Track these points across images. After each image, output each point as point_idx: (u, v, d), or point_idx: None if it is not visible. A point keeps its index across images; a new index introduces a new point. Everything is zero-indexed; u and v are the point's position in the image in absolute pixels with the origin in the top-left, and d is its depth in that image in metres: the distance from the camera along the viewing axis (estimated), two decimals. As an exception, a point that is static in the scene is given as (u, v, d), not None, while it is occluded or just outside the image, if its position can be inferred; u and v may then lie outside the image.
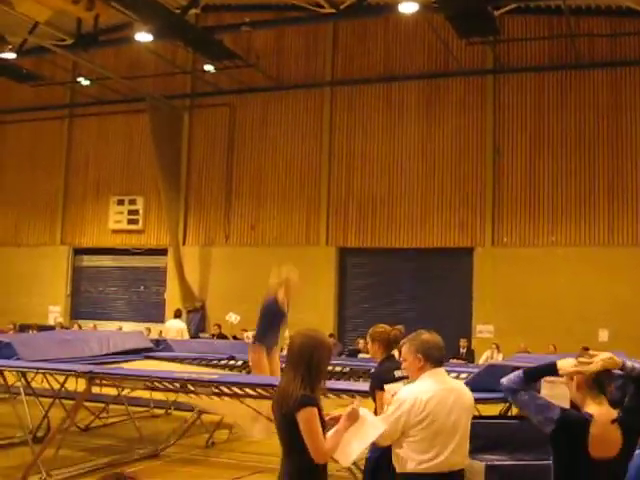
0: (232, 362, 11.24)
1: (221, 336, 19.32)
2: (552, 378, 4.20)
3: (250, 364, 9.25)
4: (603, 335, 17.69)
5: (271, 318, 9.05)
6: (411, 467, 4.20)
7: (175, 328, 17.34)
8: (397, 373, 5.25)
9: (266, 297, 9.14)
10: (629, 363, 3.61)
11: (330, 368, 11.09)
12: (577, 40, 18.45)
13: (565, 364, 3.67)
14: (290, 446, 3.87)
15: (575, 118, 19.01)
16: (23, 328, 21.45)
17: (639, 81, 18.61)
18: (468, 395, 4.41)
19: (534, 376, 3.77)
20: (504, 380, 3.78)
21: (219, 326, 19.91)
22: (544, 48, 19.39)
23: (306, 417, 3.77)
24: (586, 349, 15.51)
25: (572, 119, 19.03)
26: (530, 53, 19.55)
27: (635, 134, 18.50)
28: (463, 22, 15.91)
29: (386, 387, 5.14)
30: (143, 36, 17.56)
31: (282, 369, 4.29)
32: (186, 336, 17.52)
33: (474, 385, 7.19)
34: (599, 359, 3.59)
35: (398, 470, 4.27)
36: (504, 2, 16.94)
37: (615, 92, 18.76)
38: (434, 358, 4.31)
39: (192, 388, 7.66)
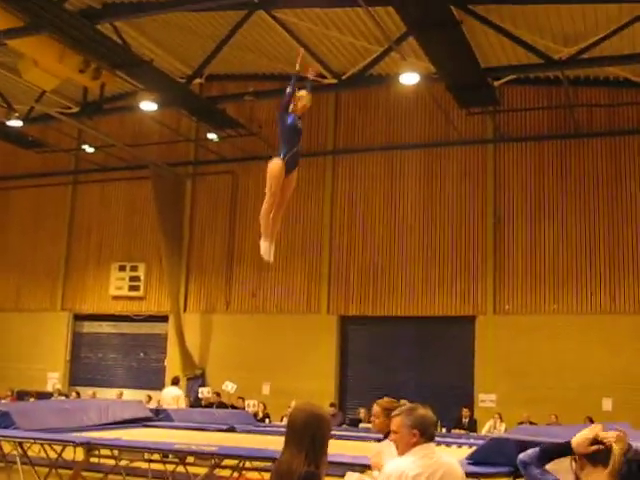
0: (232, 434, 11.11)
1: (220, 405, 19.11)
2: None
3: (268, 174, 8.54)
4: (607, 404, 17.50)
5: (294, 136, 8.62)
6: None
7: (171, 395, 17.19)
8: None
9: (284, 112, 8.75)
10: (634, 445, 3.58)
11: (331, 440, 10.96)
12: (576, 110, 18.67)
13: (577, 439, 3.63)
14: None
15: (575, 186, 19.13)
16: (21, 395, 21.28)
17: (637, 150, 18.78)
18: (458, 470, 4.35)
19: (549, 456, 3.73)
20: (521, 455, 3.75)
21: (218, 394, 19.71)
22: (543, 118, 19.62)
23: None
24: (590, 419, 15.37)
25: (572, 187, 19.15)
26: (530, 123, 19.76)
27: (634, 202, 18.58)
28: (463, 93, 16.15)
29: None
30: (148, 105, 17.84)
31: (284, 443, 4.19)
32: (182, 404, 17.37)
33: (478, 459, 7.13)
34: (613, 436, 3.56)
35: None
36: (504, 73, 17.24)
37: (614, 161, 18.91)
38: (429, 434, 4.28)
39: (191, 460, 7.57)
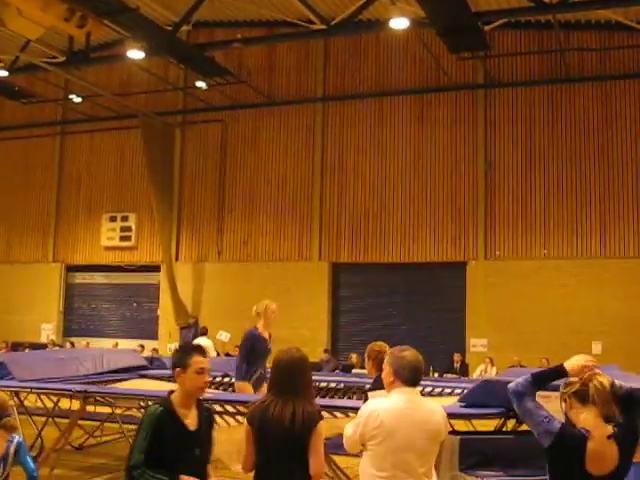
0: (227, 379, 11.21)
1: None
2: (547, 393, 4.21)
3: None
4: (596, 348, 17.68)
5: (253, 348, 8.57)
6: None
7: (203, 346, 17.27)
8: None
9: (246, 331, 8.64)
10: (617, 382, 3.64)
11: (324, 385, 11.09)
12: (567, 54, 18.55)
13: (574, 364, 3.68)
14: (300, 461, 3.96)
15: (566, 131, 19.09)
16: (15, 346, 21.37)
17: (629, 94, 18.71)
18: (436, 418, 4.30)
19: (542, 380, 3.76)
20: (512, 384, 3.77)
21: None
22: (534, 62, 19.50)
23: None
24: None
25: (563, 132, 19.11)
26: (521, 67, 19.63)
27: (625, 146, 18.59)
28: (454, 37, 15.95)
29: (370, 394, 5.13)
30: (135, 53, 17.57)
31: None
32: (213, 353, 17.44)
33: (469, 401, 7.22)
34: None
35: None
36: (494, 17, 17.04)
37: (605, 105, 18.85)
38: (403, 377, 4.26)
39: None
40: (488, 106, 19.82)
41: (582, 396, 3.63)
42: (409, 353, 4.34)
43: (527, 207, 19.19)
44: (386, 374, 4.36)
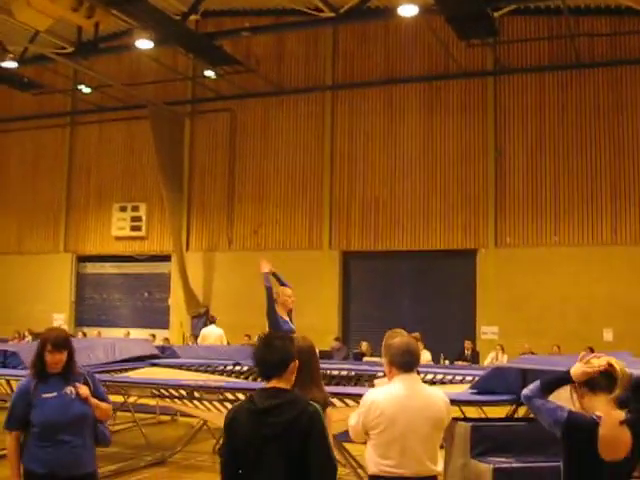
0: (238, 368, 11.22)
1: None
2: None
3: None
4: (608, 335, 17.67)
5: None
6: (373, 471, 4.23)
7: (216, 335, 17.42)
8: None
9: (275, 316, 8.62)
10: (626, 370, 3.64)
11: (336, 372, 11.11)
12: (577, 40, 18.46)
13: (577, 371, 3.68)
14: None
15: (576, 118, 19.01)
16: (35, 335, 21.32)
17: (639, 80, 18.61)
18: (438, 404, 4.31)
19: (550, 387, 3.78)
20: (525, 391, 3.80)
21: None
22: (544, 48, 19.40)
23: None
24: (591, 349, 15.51)
25: (573, 119, 19.03)
26: (530, 54, 19.55)
27: (636, 132, 18.50)
28: (463, 24, 15.90)
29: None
30: (143, 43, 17.59)
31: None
32: (225, 341, 17.55)
33: (481, 388, 7.23)
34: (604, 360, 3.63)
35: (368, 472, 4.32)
36: (503, 3, 16.95)
37: (616, 91, 18.76)
38: (398, 364, 4.27)
39: (198, 395, 7.68)
40: (498, 93, 19.74)
41: (592, 384, 3.64)
42: (398, 339, 4.35)
43: (537, 194, 19.13)
44: (385, 365, 4.40)
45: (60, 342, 4.65)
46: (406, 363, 4.29)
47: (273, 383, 3.62)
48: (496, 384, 6.97)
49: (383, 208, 20.46)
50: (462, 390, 7.72)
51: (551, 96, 19.28)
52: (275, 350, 3.66)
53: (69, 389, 4.60)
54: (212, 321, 18.39)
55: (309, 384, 4.16)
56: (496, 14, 16.55)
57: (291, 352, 3.71)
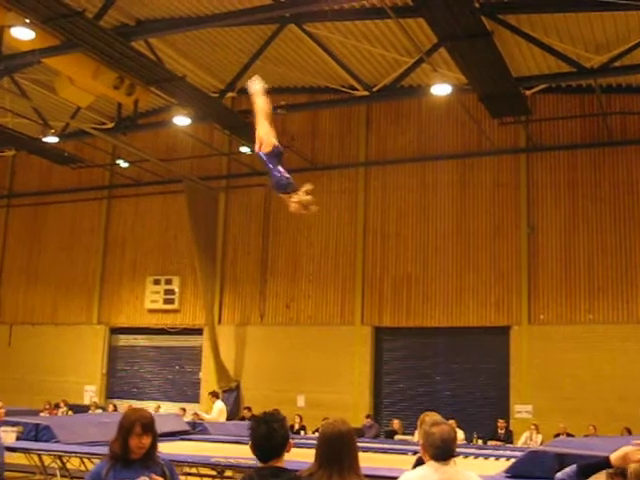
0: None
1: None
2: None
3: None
4: (645, 415, 17.30)
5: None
6: None
7: (218, 408, 17.32)
8: None
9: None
10: None
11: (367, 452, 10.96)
12: (609, 117, 18.57)
13: (617, 454, 3.63)
14: None
15: (609, 195, 18.99)
16: (74, 408, 21.33)
17: (673, 157, 18.63)
18: None
19: (588, 472, 3.73)
20: (559, 474, 3.75)
21: (249, 409, 19.75)
22: (576, 126, 19.52)
23: None
24: (628, 430, 15.19)
25: (606, 196, 19.01)
26: (563, 131, 19.67)
27: (671, 210, 18.44)
28: (495, 102, 16.10)
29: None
30: (181, 120, 18.01)
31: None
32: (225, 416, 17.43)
33: (516, 472, 7.10)
34: None
35: None
36: (535, 82, 17.18)
37: (649, 168, 18.78)
38: (431, 453, 4.24)
39: (230, 474, 7.61)
40: (530, 169, 19.81)
41: (625, 475, 3.60)
42: (437, 429, 4.28)
43: (571, 271, 19.01)
44: (420, 447, 4.37)
45: (150, 424, 4.36)
46: (441, 455, 4.24)
47: (272, 463, 3.70)
48: (532, 468, 6.85)
49: (415, 284, 20.41)
50: (496, 471, 7.59)
51: (584, 173, 19.31)
52: (276, 434, 3.78)
53: (144, 479, 4.29)
54: (215, 396, 18.25)
55: (348, 471, 4.09)
56: (528, 92, 16.77)
57: (288, 432, 3.85)
